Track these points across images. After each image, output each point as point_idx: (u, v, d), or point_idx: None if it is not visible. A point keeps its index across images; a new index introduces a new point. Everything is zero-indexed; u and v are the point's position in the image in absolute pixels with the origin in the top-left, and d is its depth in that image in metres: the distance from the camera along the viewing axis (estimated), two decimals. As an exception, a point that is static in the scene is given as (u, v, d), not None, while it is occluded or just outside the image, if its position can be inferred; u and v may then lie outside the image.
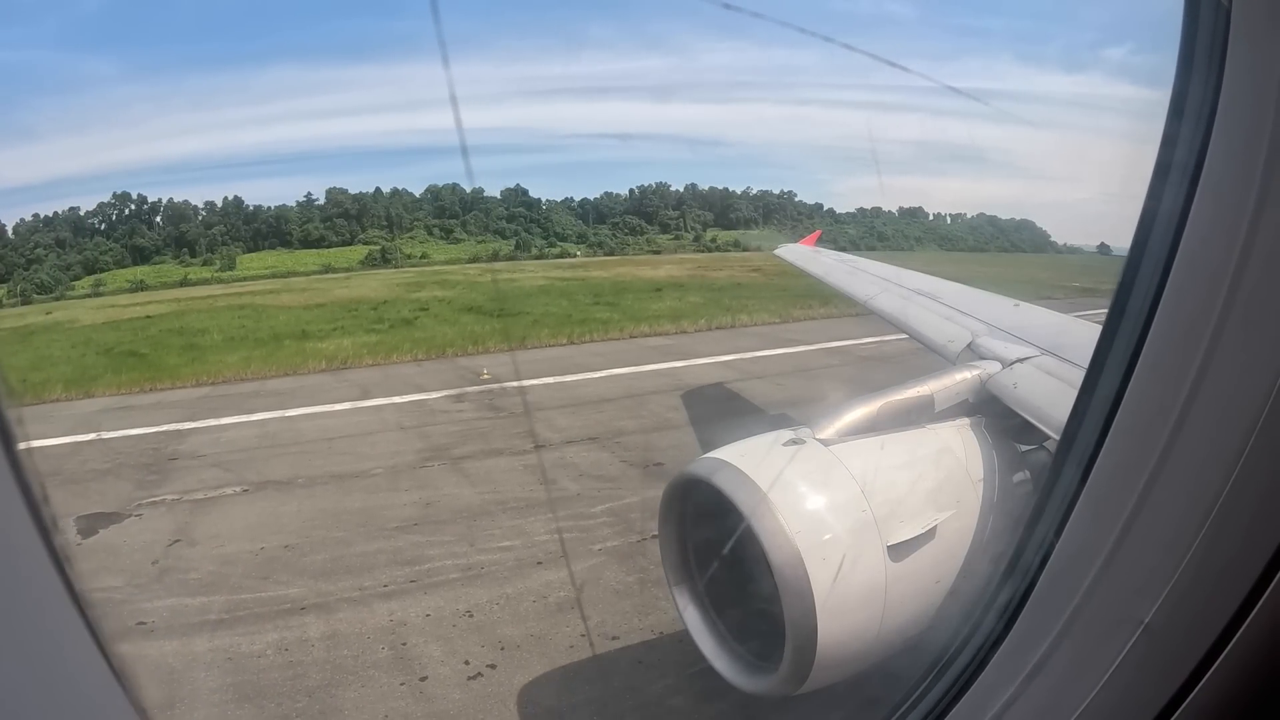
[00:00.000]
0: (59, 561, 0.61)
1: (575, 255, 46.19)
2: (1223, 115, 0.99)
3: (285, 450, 8.57)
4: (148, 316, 24.85)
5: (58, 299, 39.79)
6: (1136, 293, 1.15)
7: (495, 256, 46.40)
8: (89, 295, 40.68)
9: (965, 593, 2.42)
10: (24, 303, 38.81)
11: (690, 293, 22.70)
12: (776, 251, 10.32)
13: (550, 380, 11.60)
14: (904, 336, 4.86)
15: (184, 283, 41.93)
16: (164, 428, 10.34)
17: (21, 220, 44.46)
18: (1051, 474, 1.41)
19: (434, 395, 10.90)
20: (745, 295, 21.21)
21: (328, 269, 43.85)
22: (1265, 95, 0.94)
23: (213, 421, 10.37)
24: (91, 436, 10.18)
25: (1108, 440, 1.15)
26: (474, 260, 45.09)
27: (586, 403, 10.15)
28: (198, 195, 47.69)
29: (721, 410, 9.73)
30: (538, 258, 46.03)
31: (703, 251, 46.32)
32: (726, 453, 2.55)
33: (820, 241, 12.01)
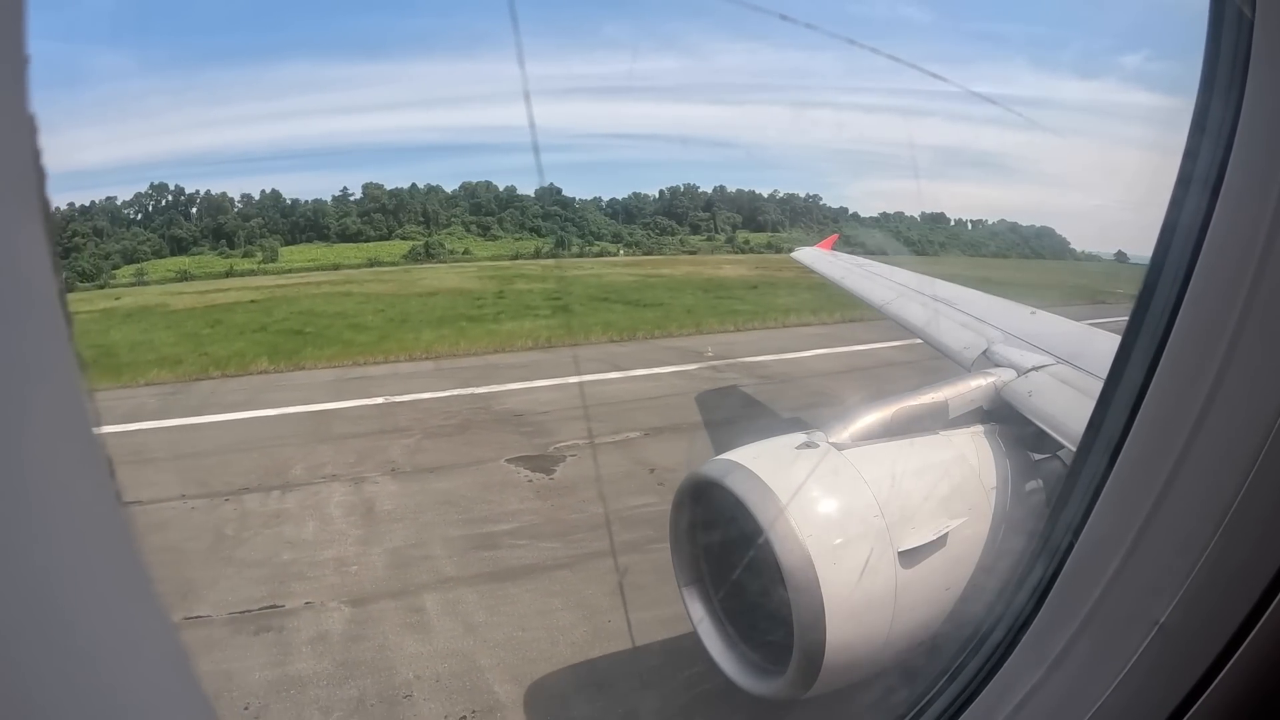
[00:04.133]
0: (131, 536, 0.62)
1: (617, 254, 47.33)
2: (1244, 128, 1.01)
3: (626, 407, 9.68)
4: (253, 301, 25.36)
5: (101, 287, 39.50)
6: (1157, 300, 1.18)
7: (537, 254, 47.31)
8: (134, 284, 40.51)
9: (975, 600, 2.42)
10: (68, 290, 38.05)
11: (799, 291, 24.16)
12: (794, 255, 10.57)
13: (772, 357, 12.99)
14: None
15: (229, 273, 41.92)
16: (452, 393, 11.33)
17: (57, 209, 43.40)
18: (1073, 472, 1.45)
19: (688, 367, 12.22)
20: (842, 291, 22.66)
21: (373, 262, 44.26)
22: None
23: (498, 388, 11.41)
24: (380, 400, 11.21)
25: (1128, 441, 1.16)
26: (516, 256, 45.96)
27: (831, 373, 11.59)
28: (232, 188, 47.54)
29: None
30: (577, 256, 47.12)
31: (738, 253, 47.92)
32: (740, 455, 2.57)
33: (848, 246, 12.46)
